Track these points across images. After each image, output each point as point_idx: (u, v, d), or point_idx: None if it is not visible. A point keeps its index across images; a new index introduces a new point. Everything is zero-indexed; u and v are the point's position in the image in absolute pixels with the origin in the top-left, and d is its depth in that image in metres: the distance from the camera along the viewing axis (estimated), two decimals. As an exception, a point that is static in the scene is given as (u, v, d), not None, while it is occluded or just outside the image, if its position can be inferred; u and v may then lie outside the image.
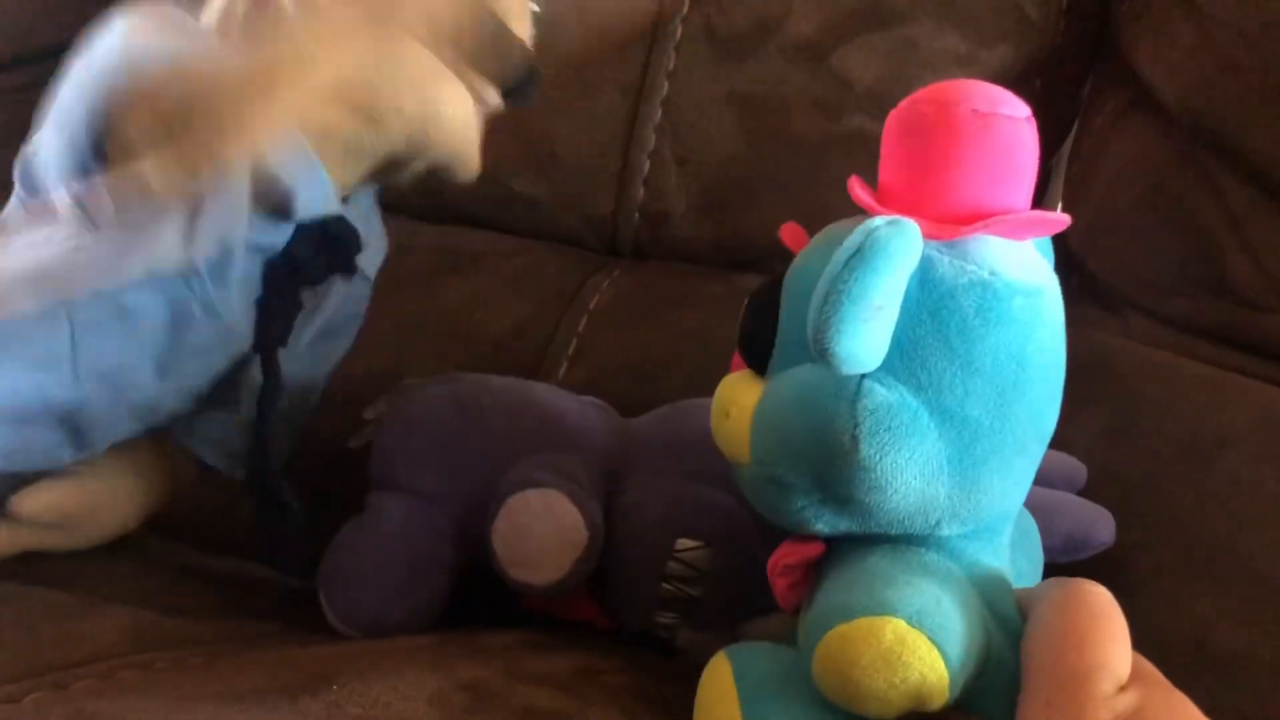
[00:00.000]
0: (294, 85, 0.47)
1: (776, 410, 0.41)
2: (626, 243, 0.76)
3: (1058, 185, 0.74)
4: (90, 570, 0.54)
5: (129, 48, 0.48)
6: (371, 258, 0.59)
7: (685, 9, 0.72)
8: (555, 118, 0.75)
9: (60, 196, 0.49)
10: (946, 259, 0.39)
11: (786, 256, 0.73)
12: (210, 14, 0.54)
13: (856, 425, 0.38)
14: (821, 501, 0.40)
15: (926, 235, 0.38)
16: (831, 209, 0.71)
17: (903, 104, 0.41)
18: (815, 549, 0.42)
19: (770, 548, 0.49)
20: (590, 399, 0.59)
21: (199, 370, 0.53)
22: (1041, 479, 0.52)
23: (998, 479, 0.40)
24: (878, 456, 0.38)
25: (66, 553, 0.54)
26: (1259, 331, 0.59)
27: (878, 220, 0.37)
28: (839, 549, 0.41)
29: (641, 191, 0.75)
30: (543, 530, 0.48)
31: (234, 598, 0.56)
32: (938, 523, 0.40)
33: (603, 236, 0.77)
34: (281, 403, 0.56)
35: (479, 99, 0.53)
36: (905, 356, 0.38)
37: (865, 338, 0.37)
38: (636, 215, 0.75)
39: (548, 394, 0.57)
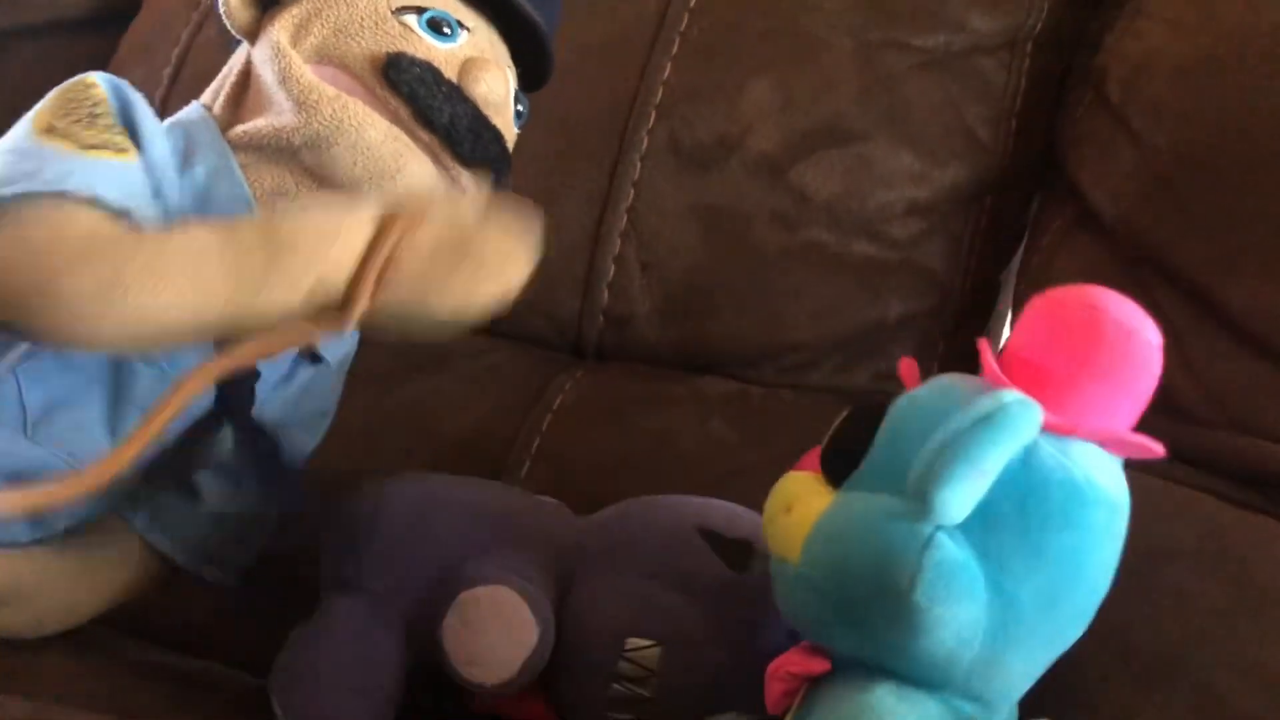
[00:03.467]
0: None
1: (843, 527, 0.42)
2: (590, 344, 0.78)
3: (1006, 300, 0.76)
4: (45, 668, 0.53)
5: None
6: (338, 341, 0.59)
7: (651, 121, 0.75)
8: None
9: None
10: (1051, 449, 0.40)
11: (744, 360, 0.75)
12: (211, 87, 0.56)
13: (919, 571, 0.39)
14: (851, 624, 0.41)
15: (1044, 423, 0.40)
16: (788, 316, 0.73)
17: (1055, 293, 0.43)
18: (822, 666, 0.43)
19: (726, 649, 0.49)
20: (545, 498, 0.59)
21: None
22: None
23: (1020, 664, 0.42)
24: (927, 605, 0.39)
25: (20, 645, 0.53)
26: (1201, 445, 0.61)
27: (1010, 396, 0.39)
28: (844, 671, 0.42)
29: (606, 295, 0.76)
30: (493, 628, 0.48)
31: (191, 700, 0.55)
32: (949, 682, 0.41)
33: (567, 338, 0.78)
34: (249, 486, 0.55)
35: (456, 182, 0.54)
36: (984, 523, 0.40)
37: (965, 497, 0.38)
38: (600, 318, 0.77)
39: (501, 492, 0.58)
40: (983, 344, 0.43)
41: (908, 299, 0.73)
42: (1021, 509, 0.40)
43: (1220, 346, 0.61)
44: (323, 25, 0.53)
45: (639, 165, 0.75)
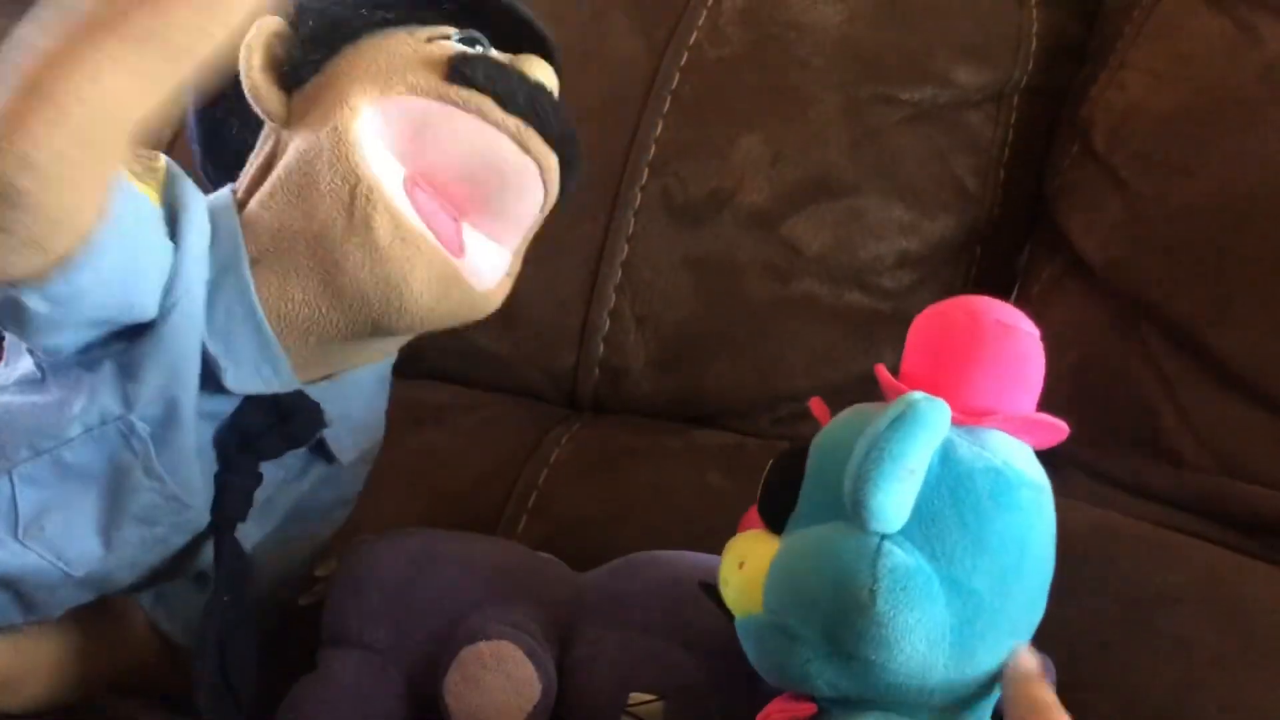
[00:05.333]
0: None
1: (795, 561, 0.43)
2: (586, 397, 0.78)
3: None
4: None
5: None
6: (355, 440, 0.57)
7: (644, 178, 0.76)
8: (519, 276, 0.78)
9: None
10: (966, 443, 0.42)
11: (739, 412, 0.75)
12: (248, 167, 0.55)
13: (875, 581, 0.40)
14: (827, 656, 0.41)
15: (954, 419, 0.42)
16: (782, 367, 0.74)
17: (934, 308, 0.46)
18: (807, 709, 0.43)
19: (728, 701, 0.49)
20: (542, 554, 0.59)
21: (146, 541, 0.51)
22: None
23: (991, 656, 0.42)
24: (891, 614, 0.40)
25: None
26: (1195, 491, 0.61)
27: (917, 394, 0.41)
28: (829, 713, 0.43)
29: (601, 348, 0.76)
30: (495, 683, 0.48)
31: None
32: (931, 692, 0.41)
33: (563, 391, 0.79)
34: (250, 585, 0.54)
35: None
36: (923, 526, 0.41)
37: (897, 497, 0.40)
38: (596, 371, 0.77)
39: (499, 547, 0.58)
40: (879, 368, 0.46)
41: (901, 348, 0.74)
42: (955, 503, 0.41)
43: (1212, 392, 0.61)
44: (371, 77, 0.52)
45: (633, 220, 0.76)
